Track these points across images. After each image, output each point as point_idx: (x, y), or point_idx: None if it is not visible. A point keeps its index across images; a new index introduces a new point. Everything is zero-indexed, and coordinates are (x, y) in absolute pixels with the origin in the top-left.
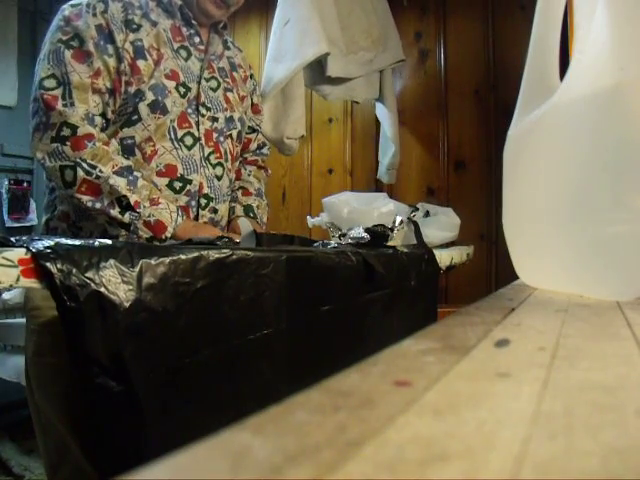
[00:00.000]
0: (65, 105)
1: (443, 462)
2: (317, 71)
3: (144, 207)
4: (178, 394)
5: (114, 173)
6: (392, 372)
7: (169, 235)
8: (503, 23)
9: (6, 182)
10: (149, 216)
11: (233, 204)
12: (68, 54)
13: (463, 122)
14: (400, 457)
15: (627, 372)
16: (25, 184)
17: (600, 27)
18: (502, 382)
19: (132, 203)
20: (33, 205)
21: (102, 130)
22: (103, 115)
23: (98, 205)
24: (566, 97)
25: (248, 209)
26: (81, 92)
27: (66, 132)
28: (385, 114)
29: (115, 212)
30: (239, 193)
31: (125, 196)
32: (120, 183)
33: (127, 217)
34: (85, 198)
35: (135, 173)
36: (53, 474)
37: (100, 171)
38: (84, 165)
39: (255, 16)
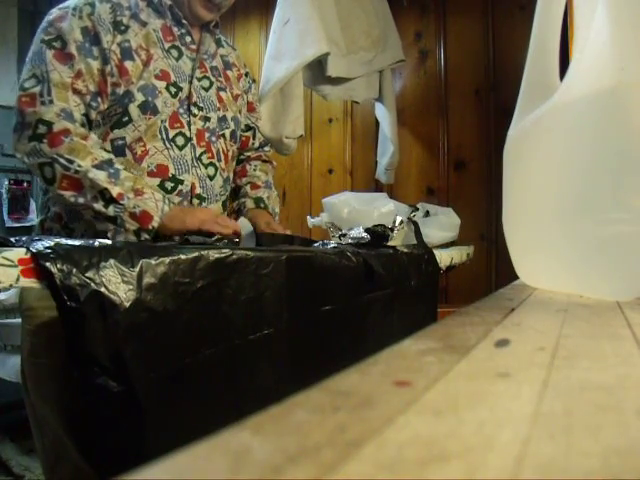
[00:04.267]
0: (43, 103)
1: (443, 462)
2: (317, 71)
3: (128, 199)
4: (178, 394)
5: (93, 167)
6: (392, 372)
7: (156, 225)
8: (503, 23)
9: (6, 182)
10: (134, 207)
11: (243, 199)
12: (50, 54)
13: (463, 122)
14: (400, 457)
15: (627, 372)
16: (25, 184)
17: (600, 27)
18: (502, 382)
19: (115, 195)
20: (33, 205)
21: (82, 127)
22: (86, 116)
23: (81, 200)
24: (566, 97)
25: (258, 201)
26: (61, 90)
27: (42, 129)
28: (384, 114)
29: (99, 206)
30: (247, 188)
31: (107, 189)
32: (100, 176)
33: (111, 210)
34: (67, 194)
35: (116, 165)
36: (51, 473)
37: (79, 165)
38: (61, 161)
39: (255, 16)
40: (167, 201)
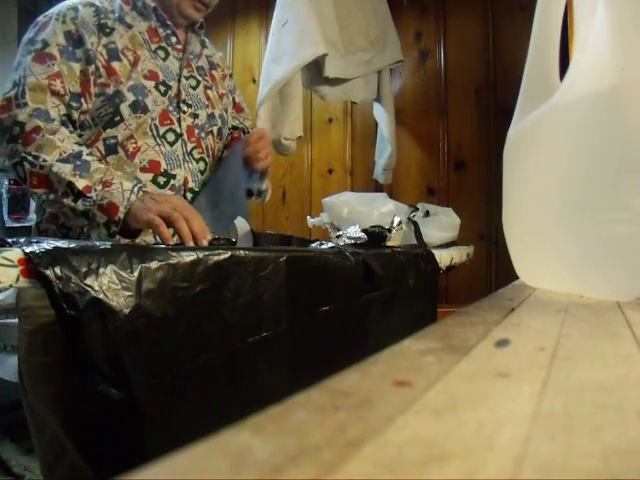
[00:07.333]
0: (18, 105)
1: (443, 462)
2: (315, 71)
3: (96, 191)
4: (179, 399)
5: (58, 160)
6: (392, 372)
7: (122, 216)
8: (503, 23)
9: (6, 182)
10: (101, 199)
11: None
12: (29, 58)
13: (463, 122)
14: (400, 457)
15: (627, 372)
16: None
17: (600, 27)
18: (502, 382)
19: (81, 189)
20: (33, 205)
21: (62, 125)
22: (67, 116)
23: (52, 196)
24: (566, 97)
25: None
26: (37, 93)
27: (16, 131)
28: (382, 114)
29: (69, 201)
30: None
31: (71, 182)
32: (65, 169)
33: (80, 204)
34: (40, 191)
35: (85, 157)
36: (49, 473)
37: (44, 160)
38: (29, 158)
39: (255, 16)
40: (136, 190)
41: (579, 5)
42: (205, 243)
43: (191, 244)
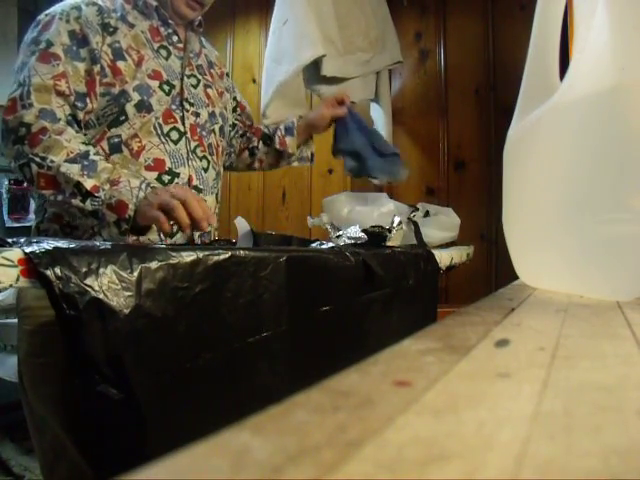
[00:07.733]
0: (23, 106)
1: (443, 462)
2: (313, 70)
3: (103, 190)
4: (179, 399)
5: (66, 161)
6: (392, 372)
7: (132, 213)
8: (503, 23)
9: (6, 182)
10: (110, 198)
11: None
12: (33, 59)
13: (463, 122)
14: (400, 457)
15: (627, 372)
16: (25, 184)
17: (600, 27)
18: (502, 382)
19: (89, 188)
20: (33, 205)
21: (69, 125)
22: (73, 116)
23: (60, 197)
24: (566, 97)
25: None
26: (42, 94)
27: (22, 132)
28: (380, 115)
29: (77, 201)
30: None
31: (79, 182)
32: (73, 170)
33: (89, 204)
34: (47, 192)
35: (92, 157)
36: (50, 473)
37: (51, 161)
38: (36, 159)
39: (255, 16)
40: (144, 186)
41: (579, 5)
42: (206, 227)
43: (194, 236)
